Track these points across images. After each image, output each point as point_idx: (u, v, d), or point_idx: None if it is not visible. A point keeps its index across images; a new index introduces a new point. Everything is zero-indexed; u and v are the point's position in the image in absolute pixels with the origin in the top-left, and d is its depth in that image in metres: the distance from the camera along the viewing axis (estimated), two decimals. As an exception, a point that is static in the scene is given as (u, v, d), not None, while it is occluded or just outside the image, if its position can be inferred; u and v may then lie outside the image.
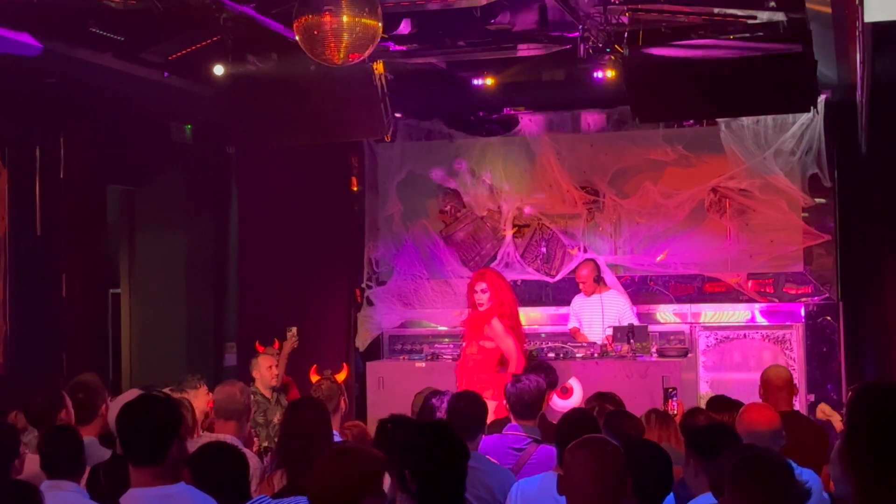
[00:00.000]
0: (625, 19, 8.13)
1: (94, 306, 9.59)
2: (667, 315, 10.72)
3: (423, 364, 9.33)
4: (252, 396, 7.95)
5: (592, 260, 10.37)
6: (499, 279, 8.84)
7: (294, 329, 9.04)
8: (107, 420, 5.44)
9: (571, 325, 10.19)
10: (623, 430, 5.17)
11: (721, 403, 6.18)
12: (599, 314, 9.89)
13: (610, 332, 9.50)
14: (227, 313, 11.27)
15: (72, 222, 9.20)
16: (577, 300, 10.23)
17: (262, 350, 8.81)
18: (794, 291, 10.52)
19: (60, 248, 9.12)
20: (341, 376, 7.87)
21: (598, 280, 10.15)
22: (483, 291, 8.67)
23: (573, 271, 10.48)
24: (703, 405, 7.89)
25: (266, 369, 8.33)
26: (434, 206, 11.45)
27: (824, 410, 7.42)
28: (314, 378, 8.23)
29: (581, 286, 10.12)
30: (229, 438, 5.23)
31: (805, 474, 4.41)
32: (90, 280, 9.44)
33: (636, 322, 9.80)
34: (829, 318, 10.27)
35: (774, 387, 6.45)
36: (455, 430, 3.94)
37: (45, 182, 8.98)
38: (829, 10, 7.04)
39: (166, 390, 6.45)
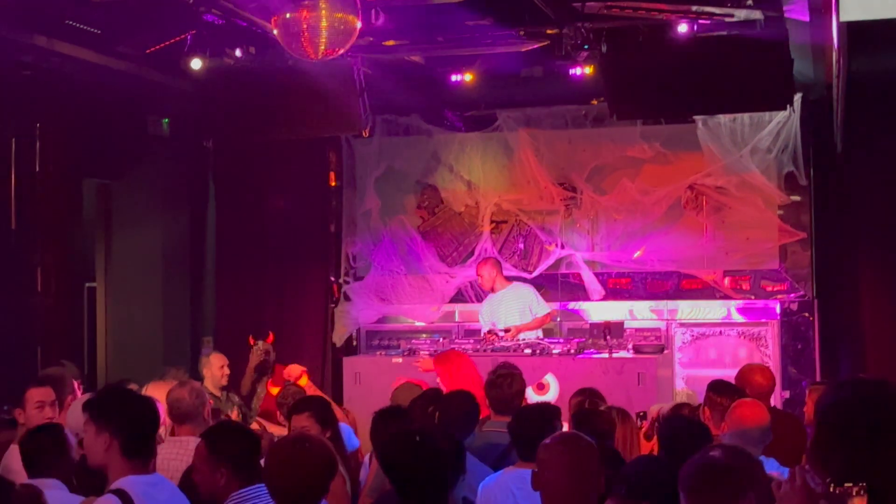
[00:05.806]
0: (602, 16, 8.16)
1: (70, 300, 9.54)
2: (643, 311, 10.76)
3: (401, 359, 9.29)
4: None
5: (492, 258, 10.33)
6: (454, 367, 7.66)
7: (261, 343, 8.67)
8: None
9: (487, 328, 9.58)
10: (594, 426, 5.20)
11: (723, 387, 6.05)
12: (514, 306, 9.66)
13: (516, 320, 9.48)
14: (204, 307, 11.25)
15: (47, 216, 9.16)
16: (488, 302, 9.92)
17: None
18: (769, 288, 10.57)
19: (36, 242, 9.07)
20: (303, 381, 7.83)
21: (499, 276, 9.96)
22: (435, 380, 7.63)
23: (477, 273, 10.16)
24: (678, 401, 7.92)
25: (217, 368, 8.27)
26: (412, 201, 11.44)
27: None
28: (273, 390, 8.14)
29: (487, 284, 9.84)
30: (192, 440, 5.15)
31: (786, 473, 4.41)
32: (65, 274, 9.39)
33: (546, 309, 9.74)
34: (806, 314, 10.34)
35: (758, 392, 6.30)
36: (447, 429, 3.92)
37: (20, 175, 8.93)
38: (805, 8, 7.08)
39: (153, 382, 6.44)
